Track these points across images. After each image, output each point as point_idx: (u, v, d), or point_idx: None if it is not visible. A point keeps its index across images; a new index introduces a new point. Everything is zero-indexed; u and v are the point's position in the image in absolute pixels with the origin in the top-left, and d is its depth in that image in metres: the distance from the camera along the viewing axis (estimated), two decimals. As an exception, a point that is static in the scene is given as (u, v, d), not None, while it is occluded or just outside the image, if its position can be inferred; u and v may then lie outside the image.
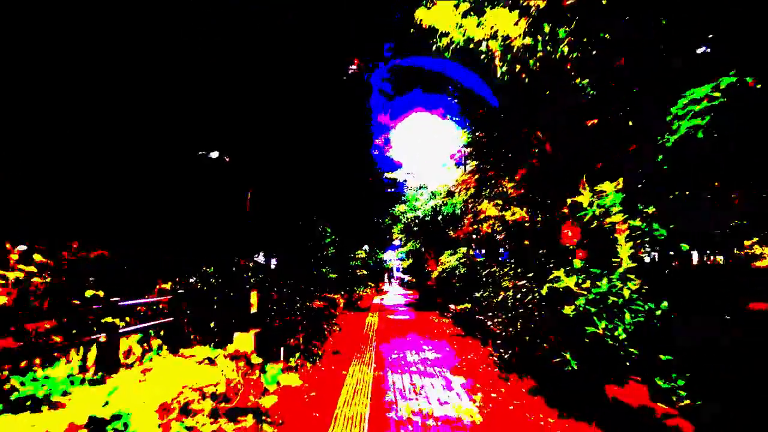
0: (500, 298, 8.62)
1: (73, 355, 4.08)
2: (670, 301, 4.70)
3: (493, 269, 10.48)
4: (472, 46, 5.65)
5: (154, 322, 5.08)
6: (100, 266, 5.61)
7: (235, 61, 12.03)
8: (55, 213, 8.54)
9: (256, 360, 5.05)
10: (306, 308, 9.78)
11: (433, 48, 6.35)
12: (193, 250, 11.78)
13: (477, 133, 11.10)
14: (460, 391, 6.10)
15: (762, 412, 3.34)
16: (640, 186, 5.27)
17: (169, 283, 7.48)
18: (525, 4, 5.36)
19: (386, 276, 45.31)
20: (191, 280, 8.24)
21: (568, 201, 5.20)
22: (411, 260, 27.11)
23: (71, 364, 3.77)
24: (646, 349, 4.55)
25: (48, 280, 3.81)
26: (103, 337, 3.43)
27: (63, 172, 8.88)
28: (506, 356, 7.30)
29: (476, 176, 12.26)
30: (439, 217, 20.63)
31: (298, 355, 7.56)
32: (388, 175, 22.85)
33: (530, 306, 7.12)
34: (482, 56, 5.63)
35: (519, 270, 9.13)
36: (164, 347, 5.17)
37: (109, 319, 3.59)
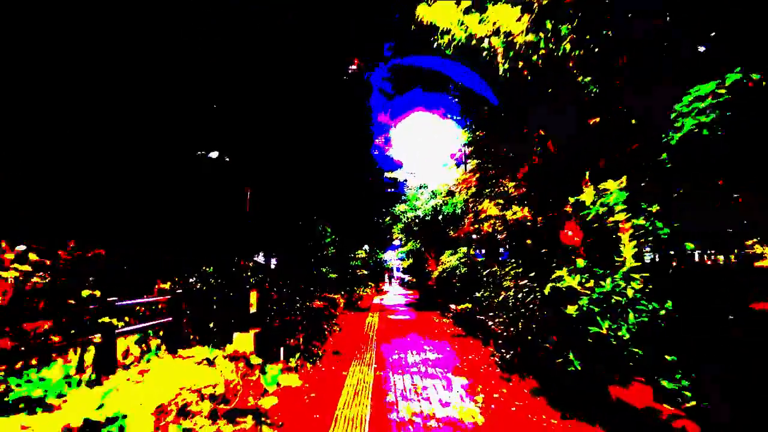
0: (501, 297, 8.57)
1: (71, 355, 4.03)
2: (674, 300, 4.65)
3: (493, 269, 10.43)
4: (474, 42, 5.60)
5: (153, 323, 5.02)
6: (97, 265, 5.56)
7: (235, 61, 12.00)
8: (54, 213, 8.49)
9: (255, 360, 4.99)
10: (306, 308, 9.73)
11: (434, 45, 6.29)
12: (193, 250, 11.73)
13: (478, 132, 11.05)
14: (461, 391, 6.05)
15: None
16: (643, 184, 5.22)
17: (169, 283, 7.43)
18: (528, 0, 5.31)
19: (386, 276, 45.28)
20: (191, 280, 8.19)
21: (571, 199, 5.14)
22: (411, 260, 27.08)
23: (68, 364, 3.72)
24: (651, 349, 4.49)
25: (44, 279, 3.76)
26: (97, 338, 3.37)
27: (62, 172, 8.83)
28: (508, 356, 7.25)
29: (477, 175, 12.21)
30: (440, 217, 20.58)
31: (298, 355, 7.51)
32: (388, 174, 22.79)
33: (532, 306, 7.07)
34: (484, 53, 5.57)
35: (520, 270, 9.08)
36: (163, 347, 5.12)
37: (106, 320, 3.53)
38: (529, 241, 8.96)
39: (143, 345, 4.97)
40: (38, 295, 3.61)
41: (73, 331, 4.16)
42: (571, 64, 5.52)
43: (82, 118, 9.11)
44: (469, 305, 11.73)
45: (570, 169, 5.96)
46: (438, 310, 17.09)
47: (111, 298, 3.86)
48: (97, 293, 3.96)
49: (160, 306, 6.30)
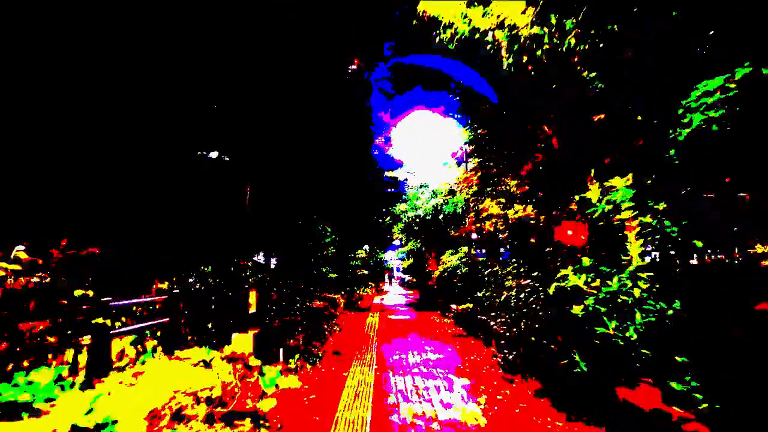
0: (503, 297, 8.46)
1: (68, 356, 3.92)
2: (682, 300, 4.54)
3: (495, 269, 10.32)
4: (477, 36, 5.48)
5: (149, 323, 4.91)
6: (92, 265, 5.45)
7: (235, 61, 11.93)
8: (53, 213, 8.40)
9: (254, 362, 4.89)
10: (306, 308, 9.63)
11: (437, 40, 6.18)
12: (192, 250, 11.64)
13: (479, 131, 10.93)
14: (463, 393, 5.94)
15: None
16: (650, 182, 5.11)
17: (167, 283, 7.32)
18: (532, -7, 5.22)
19: (386, 276, 45.17)
20: (190, 280, 8.09)
21: (576, 197, 5.04)
22: (411, 260, 26.97)
23: (61, 366, 3.61)
24: (659, 350, 4.39)
25: (35, 279, 3.65)
26: (85, 340, 3.26)
27: (61, 172, 8.74)
28: (510, 357, 7.15)
29: (478, 174, 12.09)
30: (441, 216, 20.47)
31: (297, 356, 7.40)
32: (388, 174, 22.65)
33: (535, 306, 6.96)
34: (488, 46, 5.45)
35: (522, 269, 8.97)
36: (159, 349, 5.01)
37: (99, 320, 3.43)
38: (533, 240, 8.85)
39: (139, 346, 4.86)
40: (29, 295, 3.50)
41: (69, 332, 4.06)
42: (575, 59, 5.42)
43: (82, 118, 9.02)
44: (470, 305, 11.62)
45: (574, 166, 5.85)
46: (438, 310, 16.98)
47: (105, 299, 3.75)
48: (90, 293, 3.86)
49: (157, 306, 6.19)
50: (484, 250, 15.62)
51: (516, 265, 9.21)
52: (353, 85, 16.60)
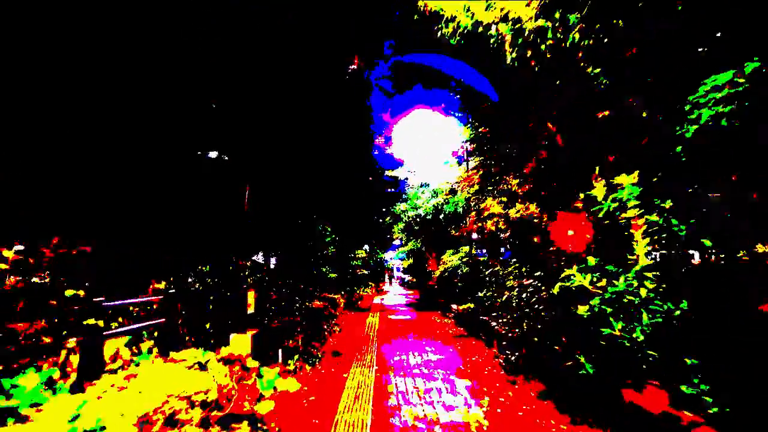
0: (505, 297, 8.36)
1: (62, 358, 3.82)
2: (689, 301, 4.44)
3: (496, 268, 10.22)
4: (480, 30, 5.37)
5: (144, 324, 4.81)
6: (86, 264, 5.34)
7: (235, 61, 11.85)
8: (52, 213, 8.30)
9: (252, 363, 4.77)
10: (305, 308, 9.53)
11: (438, 35, 6.07)
12: (191, 250, 11.55)
13: (480, 129, 10.82)
14: (465, 394, 5.83)
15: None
16: (656, 180, 5.00)
17: (164, 283, 7.22)
18: (536, -14, 5.11)
19: (387, 276, 45.07)
20: (188, 280, 7.98)
21: (581, 195, 4.94)
22: (412, 260, 26.85)
23: (52, 369, 3.51)
24: (666, 351, 4.28)
25: (24, 278, 3.56)
26: (71, 342, 3.16)
27: (59, 171, 8.64)
28: (513, 358, 7.04)
29: (479, 173, 11.98)
30: (441, 216, 20.36)
31: (297, 357, 7.30)
32: (388, 173, 22.52)
33: (537, 306, 6.86)
34: (491, 40, 5.34)
35: (524, 269, 8.86)
36: (155, 350, 4.90)
37: (91, 321, 3.33)
38: (536, 239, 8.74)
39: (134, 347, 4.76)
40: (17, 295, 3.40)
41: (65, 332, 3.96)
42: (580, 55, 5.31)
43: (82, 118, 8.93)
44: (472, 305, 11.51)
45: (578, 164, 5.74)
46: (439, 310, 16.88)
47: (98, 299, 3.64)
48: (81, 293, 3.75)
49: (154, 306, 6.08)
50: (485, 250, 15.52)
51: (518, 264, 9.11)
52: (353, 85, 16.52)
